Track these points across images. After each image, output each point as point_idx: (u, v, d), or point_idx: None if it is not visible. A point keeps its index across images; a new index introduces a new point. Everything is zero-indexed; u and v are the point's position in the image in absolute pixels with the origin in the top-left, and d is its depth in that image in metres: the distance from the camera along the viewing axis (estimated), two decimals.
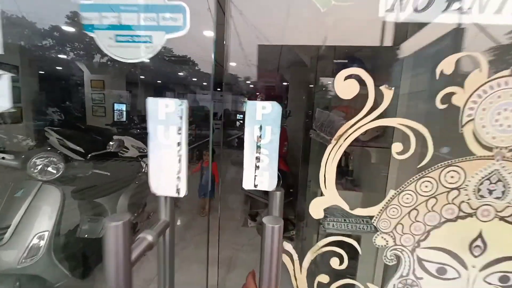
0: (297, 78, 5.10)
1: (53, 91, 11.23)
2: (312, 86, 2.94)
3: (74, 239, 1.90)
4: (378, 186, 1.44)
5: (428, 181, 0.66)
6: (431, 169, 0.65)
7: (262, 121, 0.52)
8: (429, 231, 0.69)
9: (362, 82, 0.63)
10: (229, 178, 5.05)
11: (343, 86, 0.62)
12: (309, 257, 0.69)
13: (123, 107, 6.03)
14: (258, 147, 0.53)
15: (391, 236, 0.69)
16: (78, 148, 3.97)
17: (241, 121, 9.84)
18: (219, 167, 3.35)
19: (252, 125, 0.52)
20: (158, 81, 10.35)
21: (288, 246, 0.65)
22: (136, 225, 2.32)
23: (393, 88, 0.63)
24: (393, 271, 0.73)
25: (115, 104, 5.68)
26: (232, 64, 5.16)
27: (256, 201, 3.52)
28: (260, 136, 0.53)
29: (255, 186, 0.56)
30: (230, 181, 4.79)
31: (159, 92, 13.66)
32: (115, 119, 5.59)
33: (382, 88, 0.62)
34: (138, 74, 7.86)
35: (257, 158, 0.54)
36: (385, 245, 0.70)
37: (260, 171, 0.55)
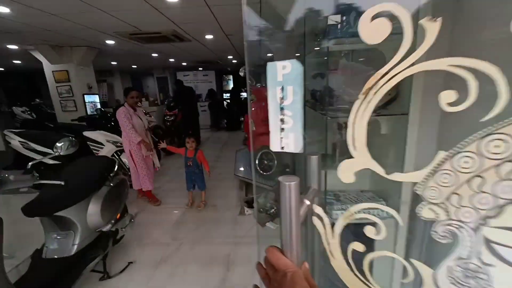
0: None
1: (17, 88, 10.29)
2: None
3: (40, 262, 1.60)
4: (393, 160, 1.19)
5: (499, 139, 0.49)
6: (504, 122, 0.47)
7: (283, 82, 0.51)
8: (502, 206, 0.52)
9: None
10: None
11: (371, 28, 0.47)
12: (341, 222, 0.63)
13: (96, 98, 5.48)
14: (282, 108, 0.54)
15: (443, 209, 0.57)
16: (46, 149, 3.56)
17: (228, 101, 9.34)
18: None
19: (274, 86, 0.53)
20: (133, 66, 9.55)
21: (318, 209, 0.61)
22: (116, 233, 2.03)
23: (439, 18, 0.43)
24: (446, 250, 0.61)
25: (86, 96, 5.13)
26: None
27: (251, 186, 3.28)
28: (283, 98, 0.52)
29: (282, 148, 0.56)
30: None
31: (137, 79, 12.81)
32: (89, 113, 5.08)
33: (424, 21, 0.44)
34: (109, 59, 7.15)
35: (282, 120, 0.55)
36: (434, 219, 0.58)
37: (285, 133, 0.55)
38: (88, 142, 3.40)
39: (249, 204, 2.96)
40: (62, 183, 1.39)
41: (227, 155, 5.29)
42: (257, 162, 3.47)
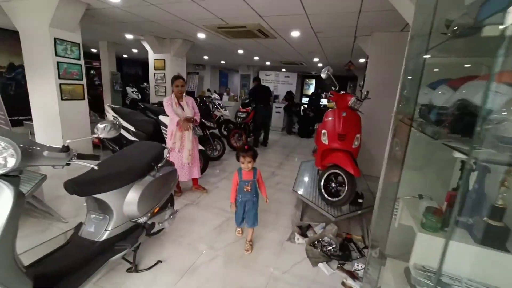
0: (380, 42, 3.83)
1: (132, 73, 12.65)
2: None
3: (74, 239, 1.57)
4: None
5: None
6: None
7: None
8: None
9: None
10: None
11: None
12: None
13: None
14: None
15: None
16: (130, 126, 3.99)
17: (306, 106, 8.78)
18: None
19: None
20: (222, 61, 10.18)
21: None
22: (152, 226, 1.91)
23: None
24: None
25: None
26: None
27: (311, 209, 2.75)
28: None
29: None
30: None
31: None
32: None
33: None
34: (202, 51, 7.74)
35: None
36: None
37: None
38: (161, 126, 3.59)
39: (303, 231, 2.45)
40: (95, 167, 1.27)
41: (291, 164, 4.84)
42: (322, 182, 2.89)
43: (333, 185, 2.62)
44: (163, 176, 1.92)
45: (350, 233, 2.52)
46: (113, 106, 4.02)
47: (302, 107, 8.58)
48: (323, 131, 2.71)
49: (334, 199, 2.52)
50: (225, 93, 9.05)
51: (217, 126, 6.35)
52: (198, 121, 3.01)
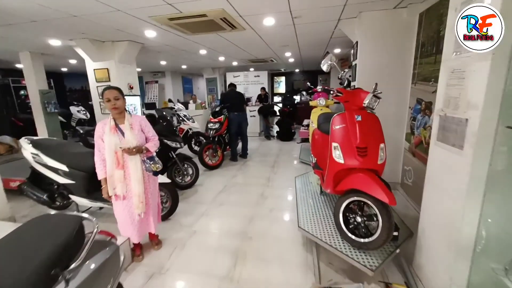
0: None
1: (76, 89, 10.92)
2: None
3: None
4: None
5: None
6: None
7: None
8: None
9: None
10: None
11: None
12: None
13: (136, 100, 4.85)
14: None
15: None
16: (59, 165, 2.91)
17: (280, 105, 8.05)
18: None
19: None
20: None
21: None
22: None
23: None
24: None
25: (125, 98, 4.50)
26: None
27: (327, 250, 1.97)
28: None
29: None
30: None
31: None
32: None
33: None
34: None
35: None
36: None
37: None
38: None
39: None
40: None
41: (281, 178, 4.06)
42: (341, 216, 2.13)
43: (358, 218, 1.88)
44: (90, 277, 1.00)
45: (390, 283, 1.80)
46: (33, 138, 2.88)
47: (276, 108, 7.89)
48: (334, 144, 1.96)
49: (364, 240, 1.77)
50: (191, 101, 8.02)
51: (186, 141, 5.36)
52: (153, 150, 2.07)
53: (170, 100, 6.74)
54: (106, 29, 3.49)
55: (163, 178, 2.69)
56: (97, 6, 2.62)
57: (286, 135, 7.09)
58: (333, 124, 2.01)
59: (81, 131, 3.38)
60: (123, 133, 1.92)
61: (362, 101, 1.90)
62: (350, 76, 3.40)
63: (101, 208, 3.01)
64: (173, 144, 3.32)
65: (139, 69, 9.11)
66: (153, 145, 2.06)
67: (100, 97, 4.56)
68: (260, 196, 3.44)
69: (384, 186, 1.71)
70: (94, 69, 4.55)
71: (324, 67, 2.01)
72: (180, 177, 3.64)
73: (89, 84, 4.72)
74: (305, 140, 6.38)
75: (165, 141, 3.25)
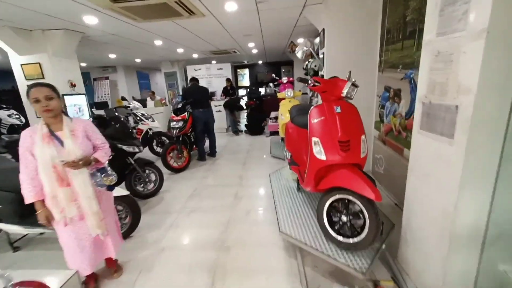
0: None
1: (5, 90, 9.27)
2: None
3: None
4: None
5: None
6: None
7: None
8: None
9: None
10: None
11: None
12: None
13: (81, 99, 4.18)
14: None
15: None
16: None
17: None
18: None
19: None
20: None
21: None
22: None
23: None
24: None
25: (65, 97, 3.84)
26: None
27: (314, 257, 1.83)
28: None
29: None
30: None
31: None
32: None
33: None
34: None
35: None
36: None
37: None
38: None
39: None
40: None
41: (254, 176, 3.86)
42: (325, 216, 1.99)
43: (343, 217, 1.75)
44: None
45: (378, 280, 1.72)
46: None
47: (242, 101, 7.64)
48: (314, 139, 1.79)
49: (353, 241, 1.66)
50: (148, 98, 7.33)
51: (146, 143, 4.84)
52: (104, 160, 1.68)
53: (123, 98, 6.02)
54: (32, 15, 2.85)
55: (119, 191, 2.28)
56: None
57: (256, 129, 6.90)
58: (311, 117, 1.84)
59: (6, 140, 2.71)
60: (61, 143, 1.50)
61: (340, 90, 1.76)
62: (315, 66, 3.32)
63: (41, 233, 2.48)
64: (130, 149, 2.88)
65: (83, 64, 8.04)
66: (104, 154, 1.67)
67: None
68: (234, 197, 3.20)
69: (370, 182, 1.59)
70: (21, 64, 3.77)
71: (299, 54, 1.83)
72: (142, 185, 3.21)
73: (17, 82, 3.91)
74: (274, 133, 6.25)
75: (120, 146, 2.79)
